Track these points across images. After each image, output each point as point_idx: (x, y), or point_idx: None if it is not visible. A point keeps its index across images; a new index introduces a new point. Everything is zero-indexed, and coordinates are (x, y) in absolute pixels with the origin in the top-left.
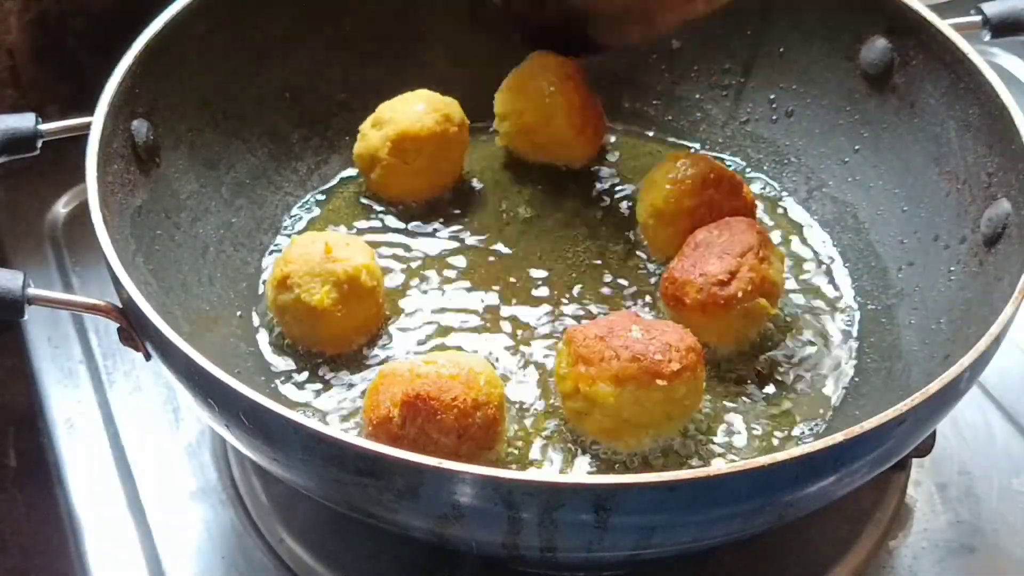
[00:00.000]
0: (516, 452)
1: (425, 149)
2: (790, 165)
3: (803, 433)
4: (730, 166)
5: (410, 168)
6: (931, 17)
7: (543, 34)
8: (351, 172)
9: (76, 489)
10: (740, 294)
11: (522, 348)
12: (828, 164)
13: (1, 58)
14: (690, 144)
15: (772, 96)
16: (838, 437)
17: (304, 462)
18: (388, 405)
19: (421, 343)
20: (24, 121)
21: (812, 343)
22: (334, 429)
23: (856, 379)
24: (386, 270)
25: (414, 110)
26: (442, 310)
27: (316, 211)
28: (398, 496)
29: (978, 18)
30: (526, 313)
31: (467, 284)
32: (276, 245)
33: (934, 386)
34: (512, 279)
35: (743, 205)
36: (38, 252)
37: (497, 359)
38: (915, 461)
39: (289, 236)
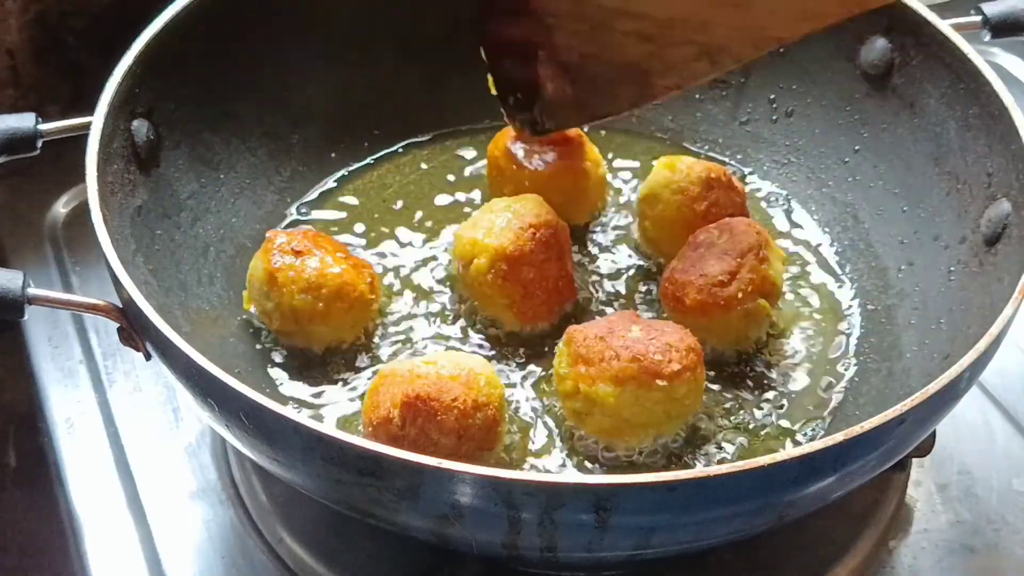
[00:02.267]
0: (516, 452)
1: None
2: (790, 165)
3: (803, 433)
4: (730, 166)
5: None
6: (931, 17)
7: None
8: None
9: (76, 489)
10: (740, 295)
11: (522, 348)
12: (828, 164)
13: (1, 58)
14: (690, 144)
15: (772, 96)
16: (838, 437)
17: (304, 462)
18: (388, 406)
19: (421, 343)
20: (24, 121)
21: (812, 343)
22: (334, 429)
23: (856, 379)
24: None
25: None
26: (442, 308)
27: (316, 212)
28: (398, 496)
29: (978, 18)
30: None
31: None
32: None
33: (934, 386)
34: None
35: (743, 205)
36: (38, 252)
37: (497, 359)
38: (915, 461)
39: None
